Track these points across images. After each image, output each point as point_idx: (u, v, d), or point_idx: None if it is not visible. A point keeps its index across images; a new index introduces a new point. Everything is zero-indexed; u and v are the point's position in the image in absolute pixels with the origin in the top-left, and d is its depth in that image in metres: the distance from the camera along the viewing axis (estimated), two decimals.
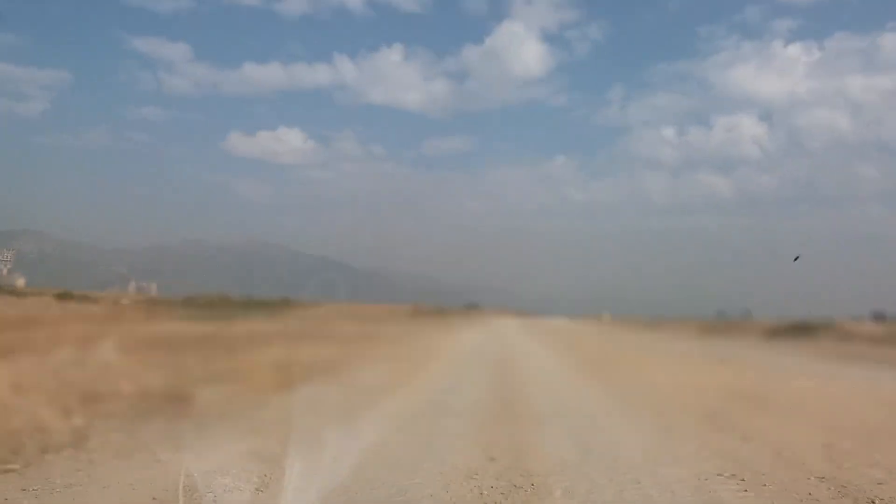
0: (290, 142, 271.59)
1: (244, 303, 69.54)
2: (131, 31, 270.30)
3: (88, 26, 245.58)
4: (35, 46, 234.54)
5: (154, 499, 5.52)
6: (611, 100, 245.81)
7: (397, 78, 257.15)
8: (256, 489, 5.74)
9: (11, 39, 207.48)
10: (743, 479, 6.68)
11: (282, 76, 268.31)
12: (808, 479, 6.72)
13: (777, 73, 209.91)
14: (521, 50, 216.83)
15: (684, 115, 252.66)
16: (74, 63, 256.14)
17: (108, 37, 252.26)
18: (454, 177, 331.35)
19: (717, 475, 6.86)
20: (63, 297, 51.18)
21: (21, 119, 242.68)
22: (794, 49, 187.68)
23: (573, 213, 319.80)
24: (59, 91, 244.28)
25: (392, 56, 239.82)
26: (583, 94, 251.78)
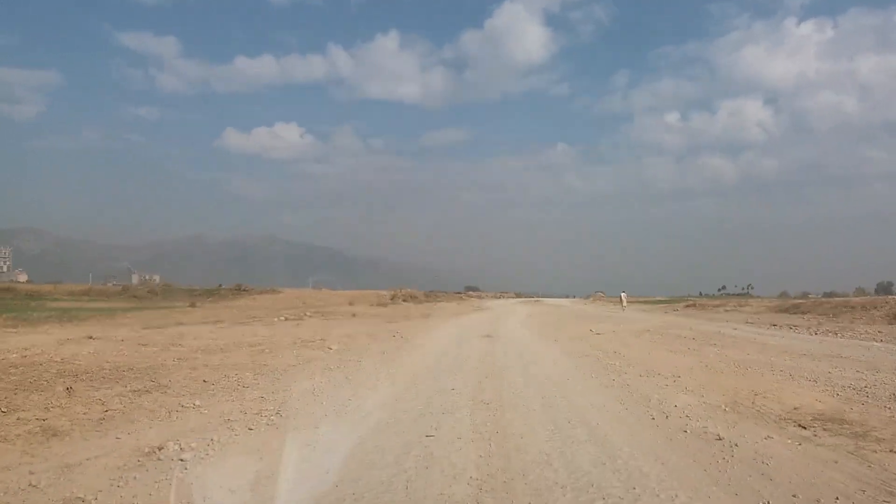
0: (286, 137, 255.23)
1: (189, 291, 55.74)
2: (119, 27, 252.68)
3: (75, 24, 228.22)
4: (24, 47, 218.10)
5: None
6: (615, 87, 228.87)
7: (394, 69, 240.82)
8: None
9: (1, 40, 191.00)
10: None
11: (275, 70, 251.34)
12: None
13: (787, 54, 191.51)
14: (523, 34, 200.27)
15: (689, 100, 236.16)
16: (64, 63, 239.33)
17: (97, 35, 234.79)
18: (453, 167, 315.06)
19: None
20: None
21: (18, 121, 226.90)
22: (807, 27, 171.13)
23: (574, 200, 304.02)
24: (52, 93, 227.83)
25: (388, 44, 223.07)
26: (586, 81, 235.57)
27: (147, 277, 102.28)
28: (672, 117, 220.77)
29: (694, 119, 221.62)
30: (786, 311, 33.43)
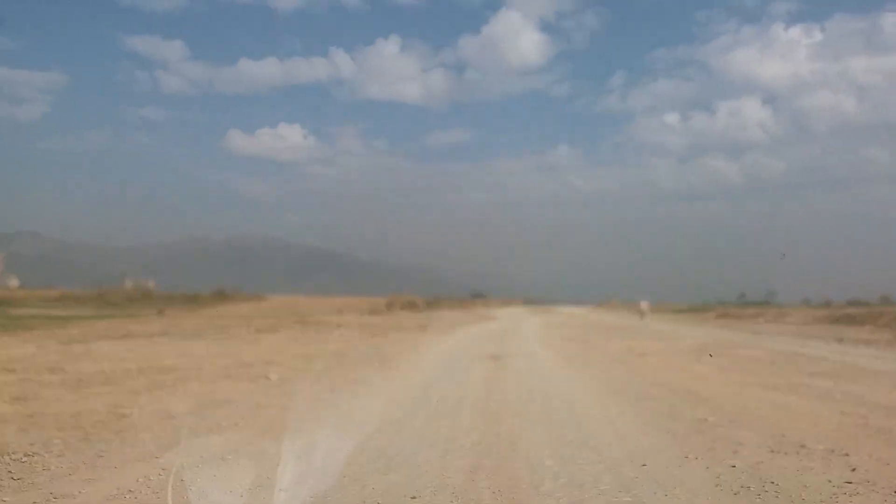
0: (290, 139, 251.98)
1: (168, 297, 51.60)
2: (126, 30, 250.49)
3: (82, 27, 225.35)
4: (30, 49, 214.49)
5: None
6: (612, 87, 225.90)
7: (395, 70, 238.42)
8: None
9: (6, 43, 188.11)
10: None
11: (279, 72, 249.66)
12: None
13: (779, 56, 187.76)
14: (519, 38, 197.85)
15: (687, 100, 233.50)
16: (70, 65, 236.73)
17: (103, 37, 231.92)
18: (456, 168, 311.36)
19: None
20: None
21: (18, 122, 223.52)
22: (795, 31, 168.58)
23: (578, 202, 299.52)
24: (57, 94, 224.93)
25: (389, 48, 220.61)
26: (584, 83, 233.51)
27: (141, 282, 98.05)
28: (672, 118, 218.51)
29: (694, 119, 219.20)
30: (836, 322, 28.99)
